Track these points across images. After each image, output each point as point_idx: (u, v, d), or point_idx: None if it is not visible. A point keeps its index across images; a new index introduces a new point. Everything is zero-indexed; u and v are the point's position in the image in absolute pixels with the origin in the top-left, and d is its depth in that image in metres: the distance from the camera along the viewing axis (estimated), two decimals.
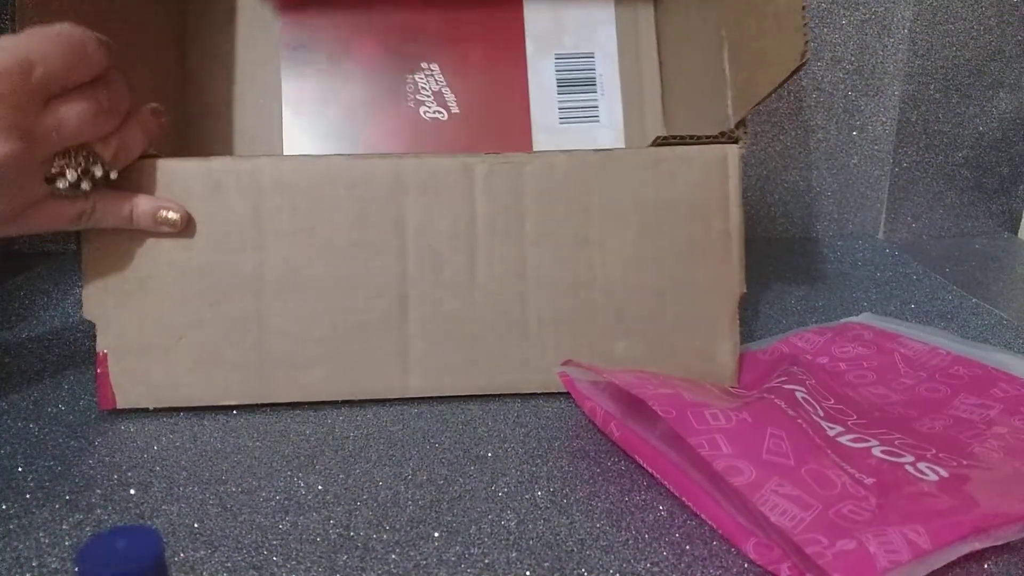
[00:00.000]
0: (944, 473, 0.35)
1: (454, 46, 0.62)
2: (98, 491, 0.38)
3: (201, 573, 0.33)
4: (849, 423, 0.40)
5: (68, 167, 0.39)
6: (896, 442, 0.38)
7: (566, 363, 0.44)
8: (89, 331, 0.53)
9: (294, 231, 0.44)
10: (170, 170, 0.43)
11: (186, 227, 0.43)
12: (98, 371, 0.44)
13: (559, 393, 0.46)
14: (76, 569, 0.22)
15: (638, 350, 0.45)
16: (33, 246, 0.69)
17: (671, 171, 0.45)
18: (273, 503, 0.37)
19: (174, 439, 0.42)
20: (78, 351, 0.51)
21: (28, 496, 0.37)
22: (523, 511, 0.36)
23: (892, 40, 0.72)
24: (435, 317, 0.45)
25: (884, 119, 0.74)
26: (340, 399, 0.45)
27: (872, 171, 0.75)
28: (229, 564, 0.33)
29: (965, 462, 0.36)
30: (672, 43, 0.61)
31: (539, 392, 0.46)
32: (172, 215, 0.43)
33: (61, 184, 0.39)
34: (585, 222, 0.45)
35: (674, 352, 0.46)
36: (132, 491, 0.38)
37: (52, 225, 0.41)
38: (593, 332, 0.45)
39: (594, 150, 0.45)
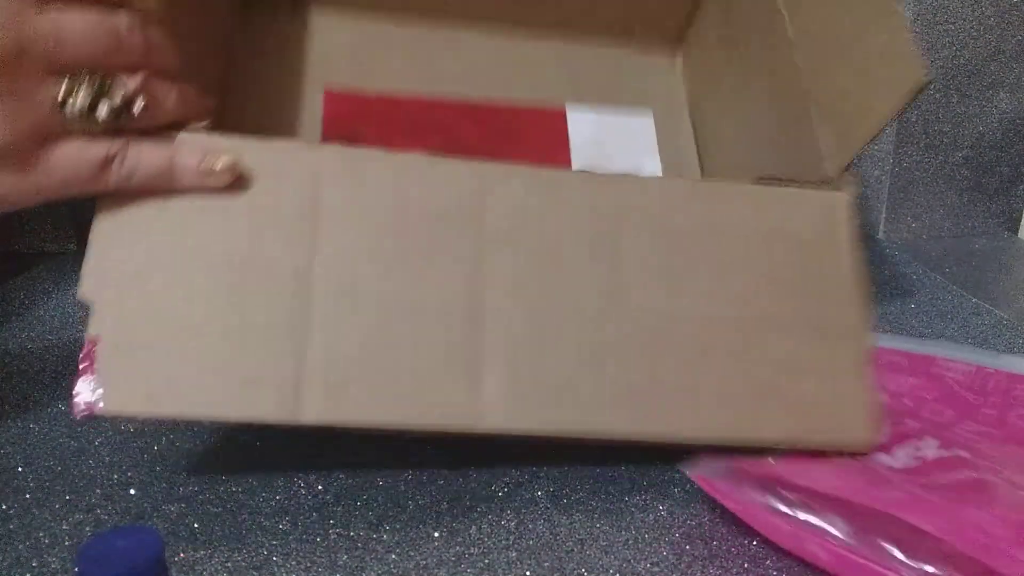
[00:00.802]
0: None
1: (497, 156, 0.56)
2: (98, 491, 0.38)
3: (201, 573, 0.33)
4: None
5: (79, 87, 0.34)
6: None
7: (697, 462, 0.38)
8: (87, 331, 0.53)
9: (356, 231, 0.38)
10: (214, 146, 0.36)
11: (236, 183, 0.36)
12: (81, 365, 0.37)
13: None
14: (76, 569, 0.22)
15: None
16: (33, 246, 0.69)
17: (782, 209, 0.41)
18: (273, 503, 0.37)
19: (174, 439, 0.42)
20: (78, 351, 0.51)
21: (28, 496, 0.37)
22: (523, 511, 0.36)
23: None
24: (512, 341, 0.37)
25: None
26: (395, 428, 0.37)
27: (872, 171, 0.75)
28: (229, 564, 0.33)
29: None
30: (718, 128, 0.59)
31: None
32: (222, 162, 0.36)
33: (71, 107, 0.33)
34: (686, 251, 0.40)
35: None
36: (132, 491, 0.38)
37: (76, 175, 0.34)
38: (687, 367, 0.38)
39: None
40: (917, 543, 0.31)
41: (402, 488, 0.38)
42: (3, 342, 0.52)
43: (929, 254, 0.72)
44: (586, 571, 0.33)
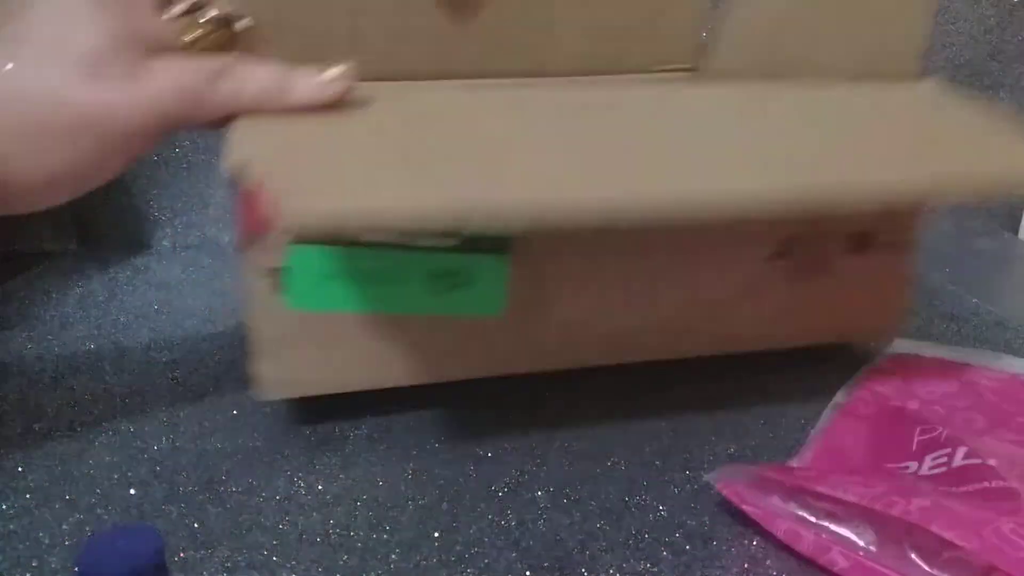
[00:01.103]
0: None
1: None
2: (98, 491, 0.38)
3: (201, 573, 0.33)
4: None
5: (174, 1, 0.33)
6: None
7: (721, 471, 0.37)
8: (89, 331, 0.53)
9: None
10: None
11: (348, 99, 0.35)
12: (245, 206, 0.33)
13: (560, 394, 0.45)
14: (76, 569, 0.22)
15: None
16: (33, 246, 0.69)
17: None
18: (273, 503, 0.37)
19: (174, 438, 0.42)
20: (78, 351, 0.51)
21: (28, 496, 0.37)
22: (523, 511, 0.36)
23: None
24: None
25: None
26: None
27: None
28: (229, 564, 0.33)
29: None
30: None
31: None
32: (336, 69, 0.35)
33: (173, 10, 0.33)
34: None
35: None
36: (132, 491, 0.38)
37: (186, 85, 0.33)
38: None
39: None
40: (941, 552, 0.31)
41: (402, 488, 0.38)
42: (3, 342, 0.52)
43: (929, 254, 0.72)
44: (586, 571, 0.33)
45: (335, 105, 0.35)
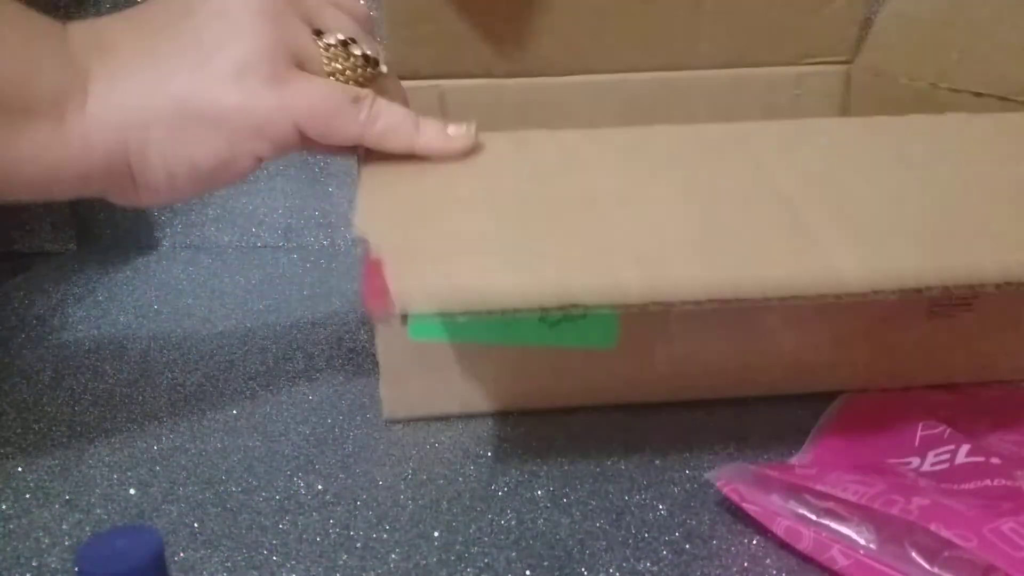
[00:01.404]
0: None
1: None
2: (98, 491, 0.38)
3: (201, 573, 0.33)
4: None
5: (327, 32, 0.36)
6: None
7: (721, 470, 0.37)
8: (89, 331, 0.53)
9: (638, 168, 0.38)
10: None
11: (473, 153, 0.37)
12: (366, 283, 0.33)
13: None
14: (76, 569, 0.22)
15: None
16: (33, 246, 0.69)
17: None
18: (273, 503, 0.37)
19: (174, 439, 0.42)
20: (78, 351, 0.51)
21: (28, 496, 0.37)
22: (523, 511, 0.36)
23: None
24: (827, 209, 0.35)
25: None
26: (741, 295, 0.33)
27: None
28: (229, 564, 0.33)
29: None
30: None
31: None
32: (463, 127, 0.37)
33: (327, 39, 0.35)
34: None
35: None
36: (132, 491, 0.38)
37: (325, 104, 0.35)
38: None
39: None
40: (942, 551, 0.31)
41: (402, 488, 0.38)
42: (3, 342, 0.52)
43: None
44: (586, 571, 0.33)
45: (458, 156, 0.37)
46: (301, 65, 0.35)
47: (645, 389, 0.44)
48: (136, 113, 0.33)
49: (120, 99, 0.33)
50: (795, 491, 0.35)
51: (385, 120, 0.36)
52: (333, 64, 0.36)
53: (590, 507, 0.37)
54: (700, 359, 0.43)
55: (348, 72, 0.36)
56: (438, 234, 0.34)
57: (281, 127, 0.34)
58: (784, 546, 0.34)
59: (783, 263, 0.33)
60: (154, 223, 0.68)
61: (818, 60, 0.61)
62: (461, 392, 0.43)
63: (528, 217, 0.35)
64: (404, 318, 0.40)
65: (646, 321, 0.42)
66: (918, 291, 0.32)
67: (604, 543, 0.34)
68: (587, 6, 0.58)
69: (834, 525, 0.33)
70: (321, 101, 0.34)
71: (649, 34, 0.59)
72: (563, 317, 0.41)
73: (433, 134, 0.36)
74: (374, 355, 0.50)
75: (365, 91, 0.36)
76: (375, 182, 0.36)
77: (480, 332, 0.41)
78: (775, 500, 0.35)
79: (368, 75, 0.36)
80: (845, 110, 0.62)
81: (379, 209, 0.35)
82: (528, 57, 0.57)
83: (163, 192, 0.35)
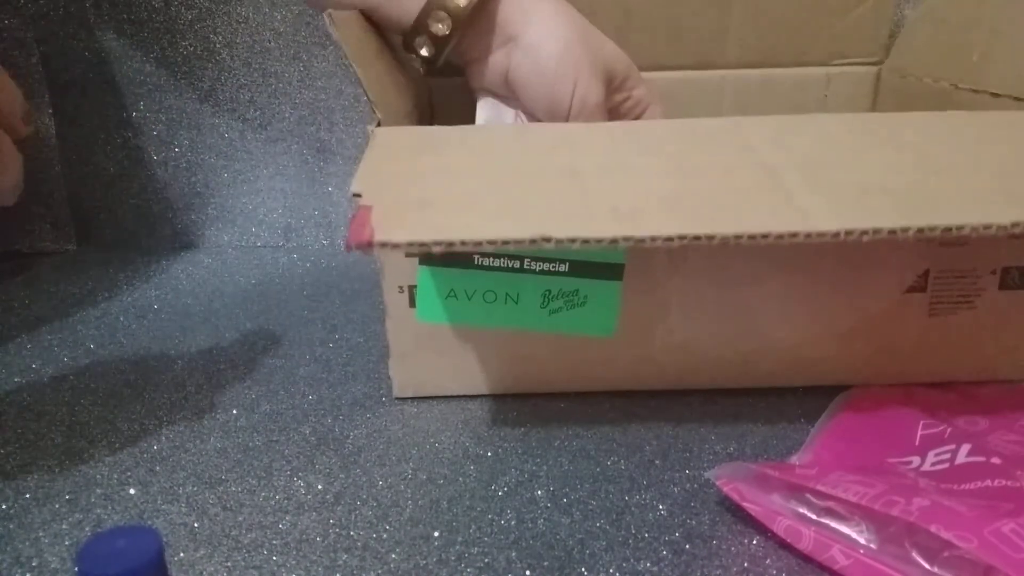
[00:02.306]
0: None
1: None
2: (98, 491, 0.38)
3: (201, 573, 0.33)
4: None
5: None
6: None
7: (722, 468, 0.37)
8: (89, 331, 0.53)
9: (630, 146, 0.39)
10: None
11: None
12: (352, 224, 0.33)
13: (561, 394, 0.45)
14: (76, 569, 0.22)
15: None
16: (33, 246, 0.69)
17: None
18: (273, 503, 0.37)
19: (174, 438, 0.42)
20: (78, 351, 0.51)
21: (28, 496, 0.37)
22: (523, 511, 0.36)
23: None
24: (806, 172, 0.37)
25: None
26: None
27: None
28: (229, 564, 0.33)
29: None
30: None
31: None
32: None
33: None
34: None
35: None
36: (132, 491, 0.38)
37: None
38: None
39: None
40: (943, 551, 0.31)
41: (402, 488, 0.38)
42: (3, 342, 0.52)
43: None
44: (586, 571, 0.33)
45: (462, 145, 0.39)
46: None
47: (645, 377, 0.45)
48: None
49: None
50: (795, 491, 0.35)
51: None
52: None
53: (590, 507, 0.37)
54: (699, 350, 0.44)
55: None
56: (425, 190, 0.35)
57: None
58: (784, 546, 0.34)
59: (756, 209, 0.33)
60: (154, 223, 0.68)
61: (848, 61, 0.61)
62: (466, 373, 0.45)
63: (512, 182, 0.36)
64: (413, 298, 0.42)
65: (645, 310, 0.43)
66: (892, 232, 0.32)
67: (604, 543, 0.34)
68: (616, 5, 0.58)
69: (834, 524, 0.33)
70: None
71: (678, 34, 0.59)
72: (564, 303, 0.42)
73: None
74: (374, 355, 0.50)
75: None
76: (377, 155, 0.37)
77: (482, 316, 0.42)
78: (775, 499, 0.35)
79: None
80: (874, 111, 0.62)
81: (376, 173, 0.36)
82: None
83: None
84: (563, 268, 0.41)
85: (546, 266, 0.41)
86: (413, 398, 0.45)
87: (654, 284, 0.42)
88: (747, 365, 0.44)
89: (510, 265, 0.41)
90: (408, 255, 0.41)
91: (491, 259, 0.41)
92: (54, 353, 0.51)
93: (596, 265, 0.42)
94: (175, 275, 0.62)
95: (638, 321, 0.43)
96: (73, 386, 0.47)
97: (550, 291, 0.42)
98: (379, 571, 0.33)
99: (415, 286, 0.42)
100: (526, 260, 0.41)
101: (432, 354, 0.44)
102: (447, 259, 0.41)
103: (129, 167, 0.67)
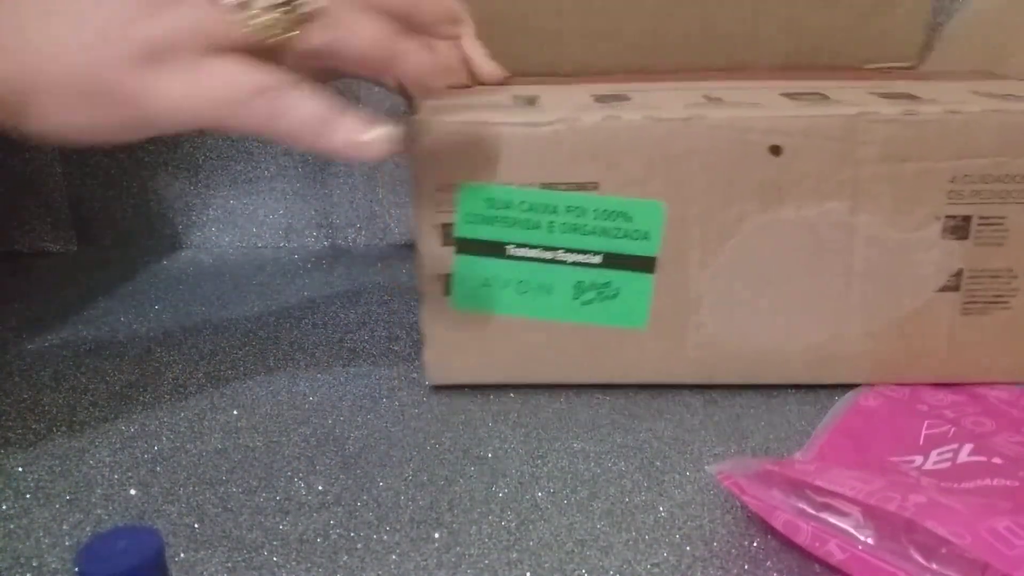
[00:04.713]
0: None
1: None
2: (98, 491, 0.38)
3: (201, 573, 0.33)
4: None
5: None
6: None
7: (724, 462, 0.37)
8: (89, 330, 0.53)
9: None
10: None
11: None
12: None
13: (562, 389, 0.45)
14: (76, 569, 0.22)
15: None
16: (33, 246, 0.69)
17: None
18: (273, 503, 0.37)
19: (174, 438, 0.42)
20: (78, 351, 0.51)
21: (28, 496, 0.37)
22: (523, 511, 0.36)
23: None
24: None
25: None
26: None
27: None
28: (229, 564, 0.33)
29: None
30: None
31: None
32: (379, 131, 0.33)
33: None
34: None
35: None
36: (132, 491, 0.38)
37: (227, 96, 0.32)
38: None
39: None
40: (940, 548, 0.31)
41: (402, 488, 0.38)
42: (3, 342, 0.52)
43: None
44: (586, 572, 0.33)
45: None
46: (213, 46, 0.31)
47: (675, 371, 0.45)
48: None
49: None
50: (795, 486, 0.35)
51: (291, 118, 0.32)
52: (255, 29, 0.31)
53: (590, 508, 0.37)
54: (729, 345, 0.44)
55: (265, 23, 0.31)
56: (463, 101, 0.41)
57: (176, 115, 0.32)
58: (784, 548, 0.34)
59: None
60: (154, 223, 0.68)
61: (883, 65, 0.60)
62: (497, 362, 0.45)
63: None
64: (448, 287, 0.43)
65: (677, 304, 0.43)
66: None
67: (604, 544, 0.34)
68: (646, 6, 0.58)
69: (833, 520, 0.33)
70: (221, 94, 0.31)
71: (709, 36, 0.59)
72: (596, 295, 0.43)
73: (345, 139, 0.33)
74: (374, 356, 0.50)
75: (279, 80, 0.32)
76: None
77: (515, 306, 0.43)
78: (775, 495, 0.35)
79: (294, 18, 0.32)
80: None
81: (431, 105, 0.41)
82: (589, 56, 0.58)
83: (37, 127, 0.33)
84: (596, 260, 0.42)
85: (579, 257, 0.42)
86: (412, 399, 0.45)
87: (686, 278, 0.42)
88: (777, 361, 0.44)
89: (543, 256, 0.42)
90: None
91: (525, 249, 0.42)
92: (54, 353, 0.51)
93: (629, 257, 0.42)
94: (175, 275, 0.62)
95: (669, 314, 0.43)
96: (73, 386, 0.47)
97: (582, 282, 0.42)
98: (379, 571, 0.33)
99: (451, 275, 0.43)
100: (559, 251, 0.42)
101: (465, 343, 0.44)
102: (482, 250, 0.42)
103: (129, 167, 0.67)
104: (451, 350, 0.45)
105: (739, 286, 0.43)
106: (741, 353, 0.44)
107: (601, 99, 0.43)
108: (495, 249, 0.42)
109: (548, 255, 0.42)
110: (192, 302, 0.58)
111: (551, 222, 0.41)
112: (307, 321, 0.55)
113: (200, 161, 0.67)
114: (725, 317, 0.43)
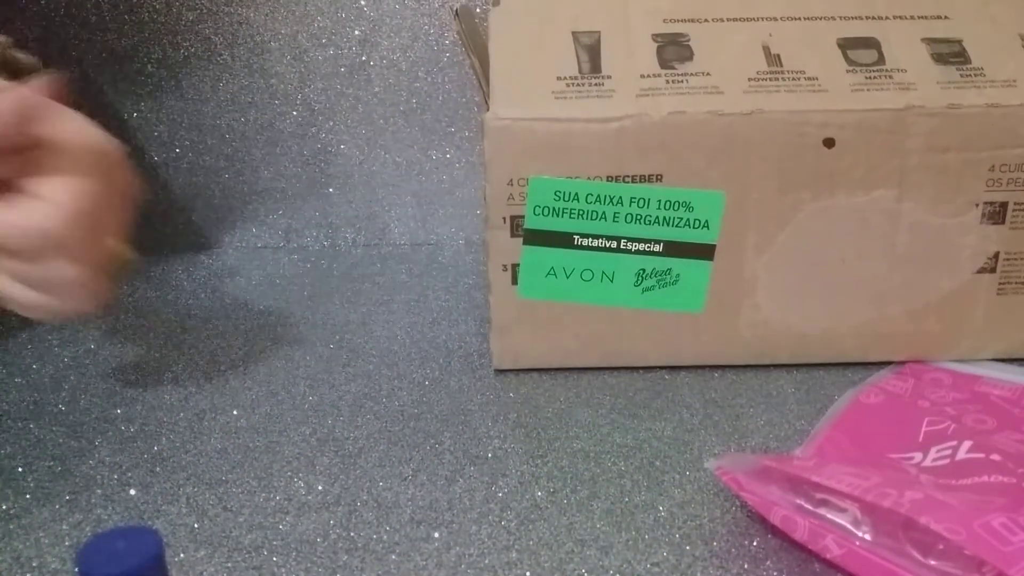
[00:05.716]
0: None
1: None
2: (98, 491, 0.38)
3: (201, 573, 0.33)
4: None
5: None
6: None
7: (722, 458, 0.38)
8: (89, 331, 0.53)
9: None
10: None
11: None
12: None
13: (562, 389, 0.45)
14: (76, 569, 0.22)
15: None
16: None
17: None
18: (273, 503, 0.37)
19: (174, 439, 0.42)
20: (78, 351, 0.51)
21: (28, 496, 0.37)
22: (523, 511, 0.36)
23: None
24: None
25: None
26: None
27: None
28: (229, 564, 0.33)
29: None
30: None
31: None
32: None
33: None
34: None
35: None
36: (132, 491, 0.38)
37: None
38: None
39: None
40: (935, 544, 0.31)
41: (402, 488, 0.38)
42: (3, 342, 0.52)
43: None
44: (586, 571, 0.33)
45: None
46: None
47: (729, 352, 0.47)
48: None
49: None
50: (793, 482, 0.35)
51: None
52: None
53: (590, 507, 0.37)
54: (782, 326, 0.46)
55: None
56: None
57: None
58: (783, 548, 0.34)
59: None
60: (154, 224, 0.68)
61: None
62: (560, 347, 0.47)
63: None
64: (514, 278, 0.45)
65: (733, 287, 0.45)
66: None
67: (604, 543, 0.34)
68: None
69: (830, 515, 0.34)
70: None
71: None
72: (656, 282, 0.45)
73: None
74: (375, 356, 0.50)
75: None
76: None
77: (579, 294, 0.45)
78: (773, 491, 0.35)
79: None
80: None
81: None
82: None
83: None
84: (657, 248, 0.44)
85: (641, 246, 0.44)
86: (412, 399, 0.45)
87: (742, 263, 0.44)
88: (826, 341, 0.47)
89: (607, 245, 0.44)
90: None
91: (590, 239, 0.43)
92: (54, 353, 0.51)
93: (689, 245, 0.44)
94: (175, 275, 0.62)
95: (725, 298, 0.45)
96: (73, 386, 0.47)
97: (644, 270, 0.44)
98: (379, 571, 0.33)
99: (518, 264, 0.45)
100: (622, 240, 0.43)
101: (530, 329, 0.46)
102: (550, 240, 0.44)
103: (129, 167, 0.67)
104: (516, 337, 0.47)
105: (791, 270, 0.45)
106: (792, 333, 0.46)
107: (659, 39, 0.45)
108: (562, 239, 0.44)
109: (612, 244, 0.44)
110: (192, 302, 0.58)
111: (616, 213, 0.43)
112: (306, 321, 0.55)
113: (201, 162, 0.67)
114: (778, 299, 0.45)
